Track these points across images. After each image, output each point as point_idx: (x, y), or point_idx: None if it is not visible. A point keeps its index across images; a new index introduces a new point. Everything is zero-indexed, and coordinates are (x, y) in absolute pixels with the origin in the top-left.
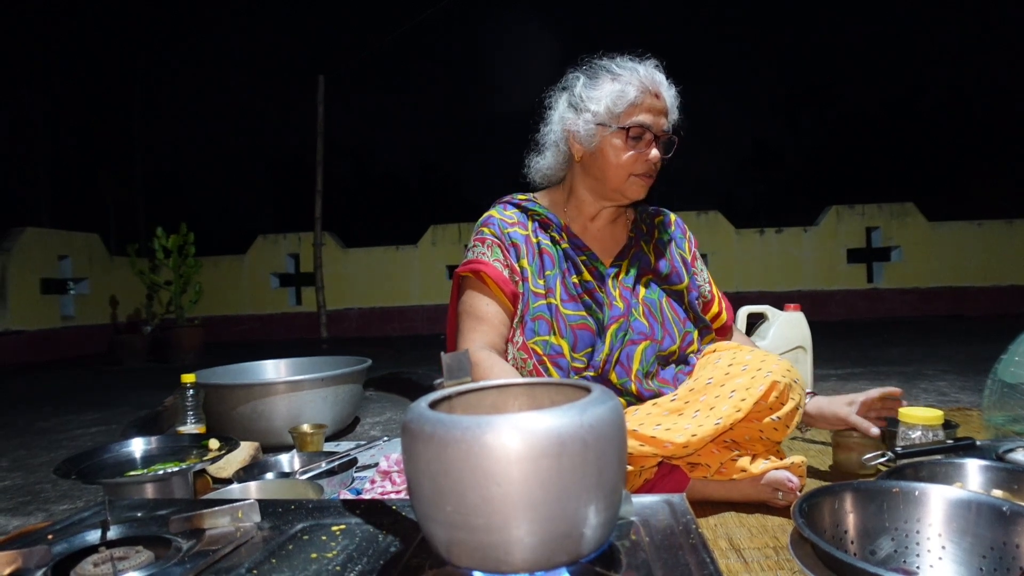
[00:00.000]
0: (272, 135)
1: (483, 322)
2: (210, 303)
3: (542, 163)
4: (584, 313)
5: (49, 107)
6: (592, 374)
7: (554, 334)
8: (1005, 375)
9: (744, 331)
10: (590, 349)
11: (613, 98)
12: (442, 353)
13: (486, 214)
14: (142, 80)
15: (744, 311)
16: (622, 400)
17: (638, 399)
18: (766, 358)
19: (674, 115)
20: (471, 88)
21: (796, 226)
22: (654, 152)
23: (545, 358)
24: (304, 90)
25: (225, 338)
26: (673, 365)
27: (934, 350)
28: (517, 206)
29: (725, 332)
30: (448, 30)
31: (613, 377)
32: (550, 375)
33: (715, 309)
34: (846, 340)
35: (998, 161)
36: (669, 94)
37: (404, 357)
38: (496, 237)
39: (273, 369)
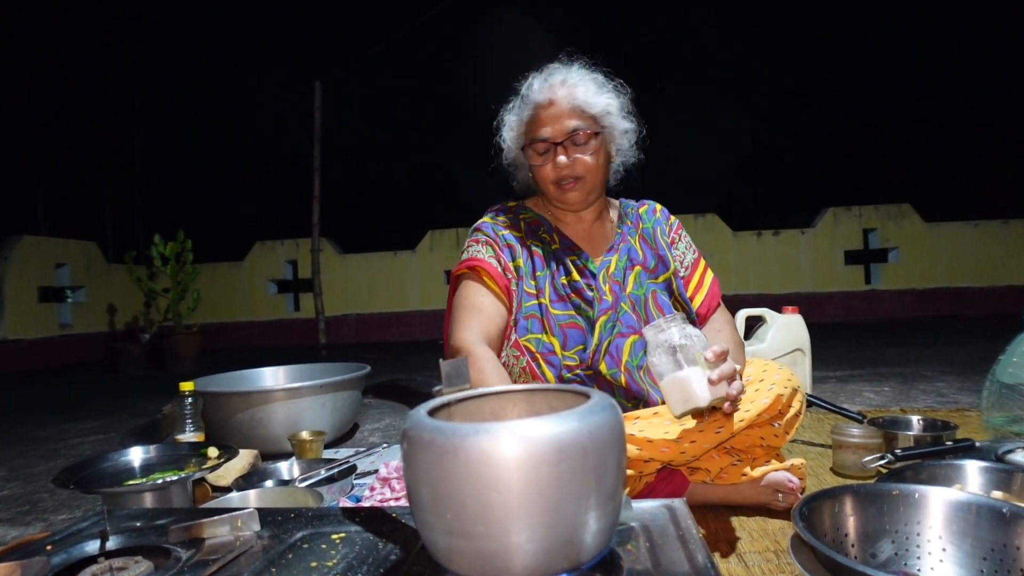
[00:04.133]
0: (269, 142)
1: (479, 311)
2: (208, 310)
3: (519, 176)
4: (573, 312)
5: (47, 114)
6: (582, 367)
7: (546, 333)
8: (1003, 376)
9: (743, 334)
10: (581, 347)
11: (516, 123)
12: (441, 360)
13: (478, 221)
14: (140, 87)
15: (742, 314)
16: (628, 404)
17: (627, 391)
18: (767, 368)
19: (591, 107)
20: (469, 93)
21: (793, 228)
22: (560, 158)
23: (538, 355)
24: (301, 96)
25: (223, 345)
26: None
27: (932, 351)
28: (508, 212)
29: (701, 321)
30: (446, 35)
31: (603, 367)
32: (543, 372)
33: (689, 292)
34: (844, 342)
35: (995, 162)
36: (570, 92)
37: (402, 363)
38: (490, 238)
39: (271, 376)
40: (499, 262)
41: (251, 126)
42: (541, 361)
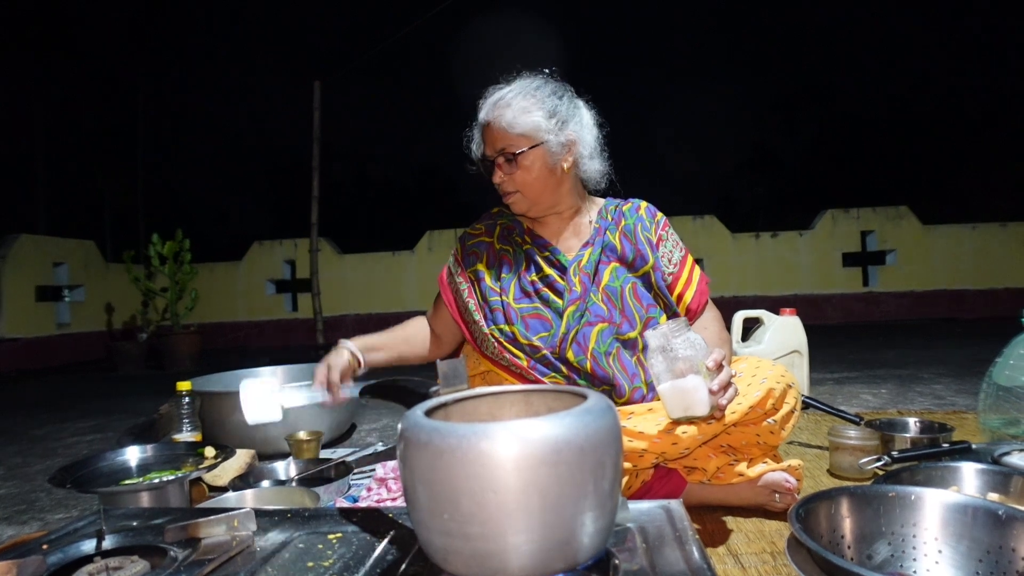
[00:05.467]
0: (269, 141)
1: (433, 308)
2: (206, 310)
3: None
4: (538, 304)
5: (46, 113)
6: (549, 351)
7: (507, 323)
8: (1000, 378)
9: (740, 336)
10: (545, 333)
11: (475, 140)
12: (438, 360)
13: (465, 229)
14: (141, 87)
15: (740, 316)
16: (598, 389)
17: (592, 376)
18: (760, 364)
19: (516, 127)
20: (468, 93)
21: (792, 230)
22: (497, 174)
23: (503, 341)
24: (301, 96)
25: (221, 345)
26: (634, 354)
27: (930, 353)
28: (489, 218)
29: (691, 317)
30: (445, 35)
31: (570, 355)
32: (511, 353)
33: (678, 289)
34: (842, 344)
35: (992, 164)
36: (499, 114)
37: None
38: (459, 252)
39: (269, 376)
40: (454, 273)
41: (250, 126)
42: (507, 345)
